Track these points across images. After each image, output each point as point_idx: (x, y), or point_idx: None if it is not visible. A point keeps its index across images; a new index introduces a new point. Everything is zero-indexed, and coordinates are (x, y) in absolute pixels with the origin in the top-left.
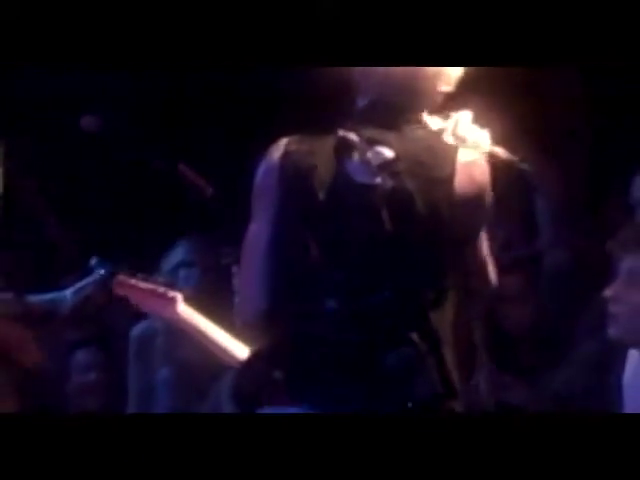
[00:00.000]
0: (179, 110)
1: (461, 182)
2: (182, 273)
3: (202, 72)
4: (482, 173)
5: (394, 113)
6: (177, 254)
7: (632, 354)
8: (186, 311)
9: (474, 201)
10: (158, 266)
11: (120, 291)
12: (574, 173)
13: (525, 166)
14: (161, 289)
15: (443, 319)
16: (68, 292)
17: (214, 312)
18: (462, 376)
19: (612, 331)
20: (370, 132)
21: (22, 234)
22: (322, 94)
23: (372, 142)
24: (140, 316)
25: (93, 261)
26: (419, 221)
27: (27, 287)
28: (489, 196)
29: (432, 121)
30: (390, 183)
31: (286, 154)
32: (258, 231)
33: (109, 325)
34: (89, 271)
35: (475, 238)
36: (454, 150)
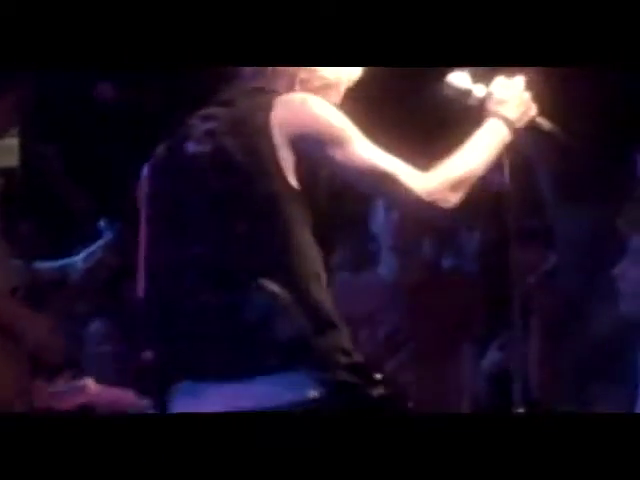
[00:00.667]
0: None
1: (280, 123)
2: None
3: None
4: (303, 101)
5: (239, 87)
6: None
7: None
8: (96, 389)
9: (300, 134)
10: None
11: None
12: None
13: (567, 139)
14: (71, 385)
15: (300, 263)
16: (78, 258)
17: None
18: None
19: (622, 307)
20: (209, 110)
21: (41, 203)
22: None
23: (206, 117)
24: None
25: (101, 223)
26: (242, 172)
27: (44, 257)
28: (322, 122)
29: (477, 87)
30: (209, 146)
31: (150, 161)
32: (140, 238)
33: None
34: (98, 234)
35: (329, 155)
36: (272, 97)
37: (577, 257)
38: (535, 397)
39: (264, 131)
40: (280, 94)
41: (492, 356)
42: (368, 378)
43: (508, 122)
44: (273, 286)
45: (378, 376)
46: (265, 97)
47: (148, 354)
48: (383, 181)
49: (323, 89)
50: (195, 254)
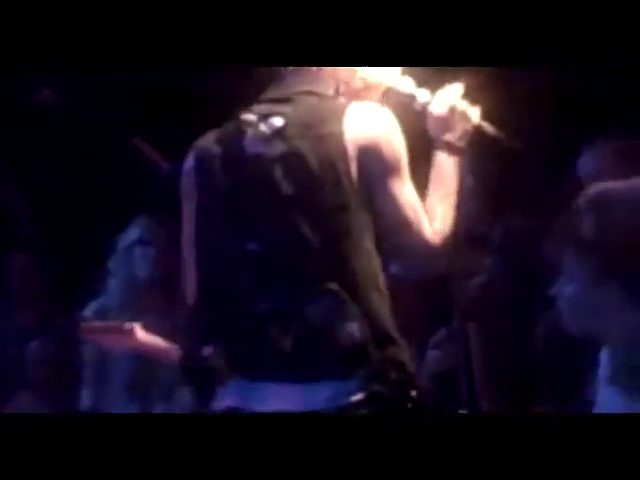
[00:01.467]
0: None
1: (354, 134)
2: (138, 251)
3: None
4: (380, 122)
5: (288, 87)
6: (133, 232)
7: None
8: (145, 337)
9: (373, 150)
10: (114, 244)
11: (88, 336)
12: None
13: (511, 143)
14: (118, 324)
15: (361, 274)
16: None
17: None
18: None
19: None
20: (265, 108)
21: None
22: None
23: (266, 116)
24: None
25: None
26: (314, 178)
27: None
28: (394, 144)
29: (420, 92)
30: (280, 148)
31: (197, 154)
32: (188, 233)
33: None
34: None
35: (380, 188)
36: (343, 108)
37: (514, 266)
38: (477, 397)
39: (338, 139)
40: (348, 100)
41: (431, 355)
42: (407, 394)
43: (454, 149)
44: (341, 292)
45: (414, 393)
46: (329, 102)
47: (203, 350)
48: (411, 229)
49: (364, 91)
50: (255, 252)
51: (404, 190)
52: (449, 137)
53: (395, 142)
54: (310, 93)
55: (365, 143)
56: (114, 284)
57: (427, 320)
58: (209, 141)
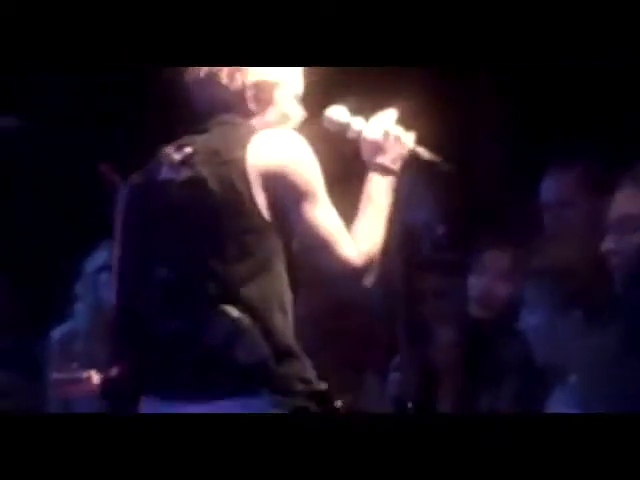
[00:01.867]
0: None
1: (256, 159)
2: (103, 277)
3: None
4: (284, 147)
5: (207, 118)
6: (99, 257)
7: None
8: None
9: (273, 174)
10: (81, 268)
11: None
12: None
13: (446, 166)
14: (77, 375)
15: (262, 293)
16: None
17: None
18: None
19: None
20: (184, 139)
21: None
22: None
23: (181, 146)
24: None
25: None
26: (216, 202)
27: None
28: (299, 170)
29: (355, 120)
30: (185, 173)
31: (129, 182)
32: (114, 257)
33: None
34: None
35: (292, 212)
36: (250, 134)
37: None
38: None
39: (240, 164)
40: (255, 128)
41: (392, 377)
42: (328, 405)
43: (387, 170)
44: (234, 311)
45: (339, 403)
46: (240, 129)
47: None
48: (328, 250)
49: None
50: (162, 277)
51: (319, 213)
52: (382, 160)
53: (304, 166)
54: (223, 122)
55: (269, 168)
56: (81, 308)
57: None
58: (139, 172)
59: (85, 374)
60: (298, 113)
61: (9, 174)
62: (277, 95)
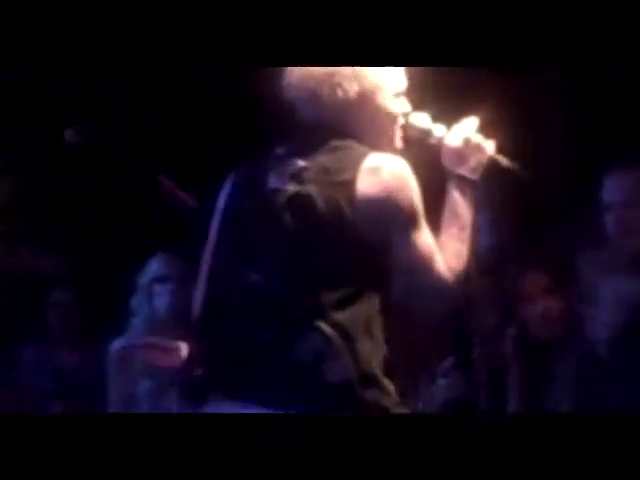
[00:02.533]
0: (165, 121)
1: (365, 184)
2: (156, 288)
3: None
4: (392, 176)
5: (319, 132)
6: (151, 269)
7: None
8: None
9: (380, 202)
10: (135, 281)
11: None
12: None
13: (524, 173)
14: (165, 343)
15: (353, 318)
16: None
17: None
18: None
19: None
20: (297, 149)
21: None
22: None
23: (294, 157)
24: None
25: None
26: (320, 222)
27: None
28: (404, 197)
29: (436, 127)
30: (293, 188)
31: (232, 179)
32: (208, 250)
33: None
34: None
35: (396, 237)
36: (361, 157)
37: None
38: None
39: (349, 188)
40: (366, 156)
41: (440, 383)
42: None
43: (467, 182)
44: (327, 329)
45: None
46: (353, 153)
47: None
48: (424, 275)
49: (386, 132)
50: (255, 283)
51: (419, 237)
52: (463, 170)
53: (408, 193)
54: (338, 146)
55: (378, 196)
56: (137, 322)
57: (434, 350)
58: (243, 171)
59: (175, 345)
60: (404, 108)
61: (71, 187)
62: (381, 99)
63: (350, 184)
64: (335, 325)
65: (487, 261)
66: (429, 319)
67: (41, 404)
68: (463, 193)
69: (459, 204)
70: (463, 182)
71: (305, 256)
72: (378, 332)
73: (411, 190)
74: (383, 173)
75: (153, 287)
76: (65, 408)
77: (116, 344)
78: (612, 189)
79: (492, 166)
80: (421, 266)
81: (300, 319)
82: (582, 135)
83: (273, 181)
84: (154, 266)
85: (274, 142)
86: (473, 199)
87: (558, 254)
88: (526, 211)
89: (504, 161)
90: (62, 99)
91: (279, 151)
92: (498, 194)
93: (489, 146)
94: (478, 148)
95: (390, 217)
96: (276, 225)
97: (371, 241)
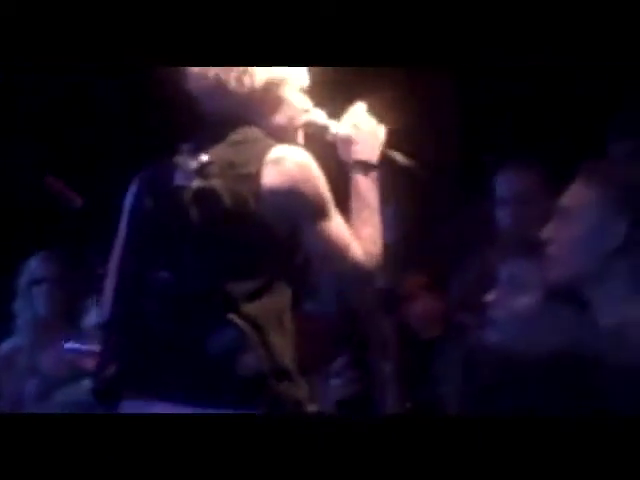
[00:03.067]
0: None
1: (269, 176)
2: (34, 291)
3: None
4: (296, 166)
5: (224, 124)
6: (28, 270)
7: None
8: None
9: (286, 193)
10: (15, 283)
11: None
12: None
13: (417, 170)
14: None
15: (265, 310)
16: None
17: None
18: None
19: (491, 336)
20: (201, 144)
21: None
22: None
23: (198, 151)
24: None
25: None
26: (227, 216)
27: None
28: (310, 187)
29: (332, 124)
30: (198, 183)
31: (138, 179)
32: (115, 253)
33: None
34: None
35: (306, 227)
36: (266, 149)
37: None
38: None
39: (255, 181)
40: (270, 148)
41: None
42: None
43: (366, 165)
44: (241, 322)
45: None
46: (258, 145)
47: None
48: (341, 261)
49: (290, 127)
50: (164, 280)
51: (330, 225)
52: (359, 156)
53: (314, 182)
54: (242, 137)
55: (281, 185)
56: (20, 324)
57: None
58: (150, 169)
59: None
60: (305, 105)
61: None
62: (286, 92)
63: (255, 177)
64: (247, 317)
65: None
66: (325, 316)
67: None
68: (365, 176)
69: (363, 188)
70: (362, 166)
71: (213, 250)
72: (289, 325)
73: (316, 179)
74: (287, 164)
75: (32, 289)
76: None
77: (4, 347)
78: (505, 185)
79: (387, 161)
80: (336, 254)
81: (212, 313)
82: (474, 131)
83: (178, 178)
84: (31, 267)
85: (178, 138)
86: (375, 182)
87: (440, 252)
88: (415, 208)
89: (399, 157)
90: None
91: (184, 147)
92: (391, 189)
93: (380, 131)
94: (370, 132)
95: (297, 207)
96: (183, 222)
97: (279, 233)
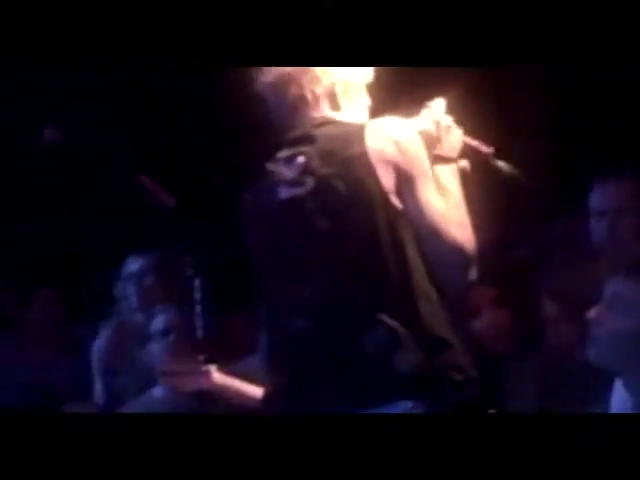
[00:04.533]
0: (145, 119)
1: (377, 150)
2: (128, 285)
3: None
4: (399, 134)
5: (302, 125)
6: (128, 267)
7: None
8: (221, 378)
9: (396, 159)
10: (117, 275)
11: (165, 381)
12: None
13: (501, 163)
14: (195, 367)
15: (409, 281)
16: None
17: None
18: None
19: (591, 354)
20: (285, 152)
21: None
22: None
23: (288, 159)
24: None
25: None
26: (347, 201)
27: None
28: (416, 150)
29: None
30: (310, 183)
31: (243, 210)
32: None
33: None
34: None
35: (417, 190)
36: (361, 128)
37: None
38: None
39: (363, 158)
40: (364, 124)
41: None
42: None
43: (446, 160)
44: (390, 321)
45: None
46: (344, 126)
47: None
48: (444, 237)
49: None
50: (310, 295)
51: (432, 197)
52: (439, 151)
53: (417, 148)
54: (325, 123)
55: (391, 155)
56: (121, 307)
57: None
58: (248, 196)
59: (204, 367)
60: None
61: (50, 187)
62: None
63: (364, 155)
64: (392, 306)
65: None
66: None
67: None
68: (445, 170)
69: (446, 182)
70: (442, 160)
71: (346, 245)
72: (433, 294)
73: (418, 144)
74: (390, 133)
75: (128, 283)
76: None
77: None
78: (603, 196)
79: (494, 171)
80: (440, 228)
81: (360, 317)
82: (571, 140)
83: (283, 191)
84: (131, 264)
85: (260, 152)
86: (456, 175)
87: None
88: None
89: (506, 167)
90: (40, 98)
91: (270, 167)
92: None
93: (457, 132)
94: (449, 130)
95: (407, 166)
96: (306, 228)
97: (399, 203)
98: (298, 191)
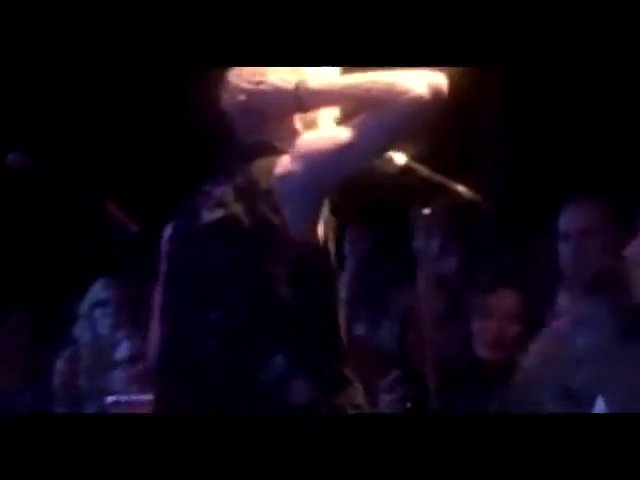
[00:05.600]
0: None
1: (279, 186)
2: (97, 312)
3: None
4: (298, 170)
5: (243, 150)
6: (92, 293)
7: None
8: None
9: (296, 197)
10: (76, 309)
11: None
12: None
13: (482, 203)
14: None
15: (316, 314)
16: None
17: None
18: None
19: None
20: (220, 177)
21: None
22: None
23: (218, 184)
24: None
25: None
26: (253, 235)
27: None
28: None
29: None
30: (220, 213)
31: (172, 223)
32: (157, 299)
33: None
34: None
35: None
36: (274, 161)
37: None
38: None
39: (268, 193)
40: (281, 153)
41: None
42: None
43: None
44: (289, 351)
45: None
46: (267, 161)
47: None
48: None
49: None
50: (213, 319)
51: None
52: None
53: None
54: (261, 148)
55: (291, 192)
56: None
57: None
58: (180, 212)
59: (145, 397)
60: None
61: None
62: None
63: (269, 192)
64: (294, 337)
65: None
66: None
67: None
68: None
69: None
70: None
71: (252, 277)
72: (343, 324)
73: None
74: (289, 159)
75: (95, 311)
76: None
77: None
78: (569, 219)
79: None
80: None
81: (263, 344)
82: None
83: (203, 214)
84: (94, 291)
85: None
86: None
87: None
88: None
89: (467, 193)
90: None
91: (213, 177)
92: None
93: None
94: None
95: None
96: (218, 256)
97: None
98: (211, 217)
